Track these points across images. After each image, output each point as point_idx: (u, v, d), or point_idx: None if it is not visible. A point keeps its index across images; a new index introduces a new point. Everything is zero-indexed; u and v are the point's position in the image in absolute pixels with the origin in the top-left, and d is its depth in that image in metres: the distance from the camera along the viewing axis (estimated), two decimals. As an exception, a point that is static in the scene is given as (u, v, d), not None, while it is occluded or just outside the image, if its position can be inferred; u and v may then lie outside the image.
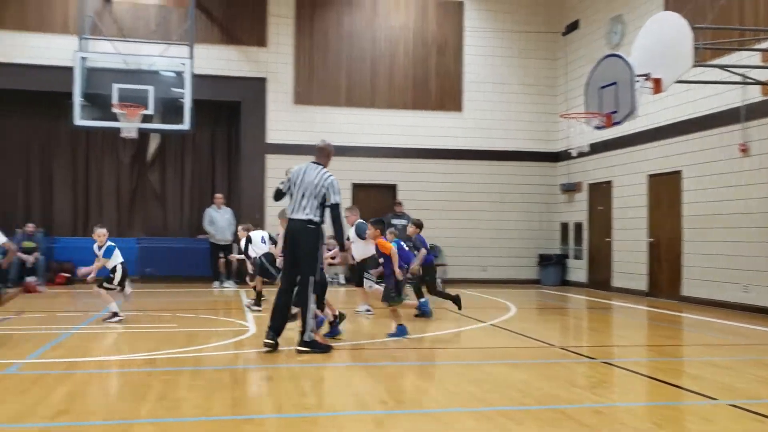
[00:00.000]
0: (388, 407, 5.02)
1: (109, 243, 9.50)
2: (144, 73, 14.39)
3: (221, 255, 15.34)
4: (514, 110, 17.66)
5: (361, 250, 9.93)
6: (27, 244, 14.93)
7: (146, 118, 14.05)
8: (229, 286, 15.13)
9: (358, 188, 17.02)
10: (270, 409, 4.91)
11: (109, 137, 16.51)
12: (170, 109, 14.39)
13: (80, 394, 5.22)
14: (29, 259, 14.82)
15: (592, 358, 7.20)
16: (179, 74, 14.42)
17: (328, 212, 7.25)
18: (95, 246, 9.50)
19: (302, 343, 7.00)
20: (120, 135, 14.08)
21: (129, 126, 13.74)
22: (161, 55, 14.77)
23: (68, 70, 13.99)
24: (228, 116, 17.46)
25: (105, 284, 9.42)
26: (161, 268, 16.32)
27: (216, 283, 15.25)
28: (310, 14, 16.92)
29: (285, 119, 16.72)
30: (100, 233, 9.44)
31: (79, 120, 13.91)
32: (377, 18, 17.22)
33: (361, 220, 10.02)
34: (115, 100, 13.67)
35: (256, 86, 16.55)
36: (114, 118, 13.79)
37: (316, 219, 7.17)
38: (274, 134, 16.69)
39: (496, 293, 14.32)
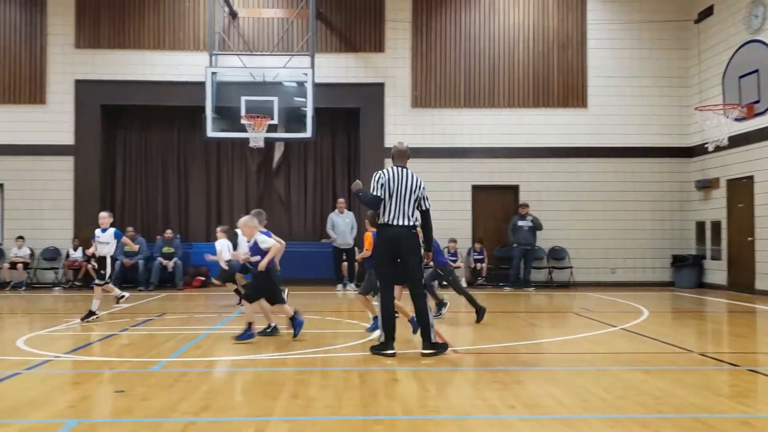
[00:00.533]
0: (516, 412, 4.91)
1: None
2: (268, 84, 15.00)
3: (344, 258, 15.68)
4: (643, 104, 16.89)
5: None
6: (166, 249, 15.95)
7: (271, 128, 14.62)
8: (352, 288, 15.41)
9: (478, 190, 16.90)
10: (399, 411, 4.94)
11: (237, 147, 17.33)
12: (293, 117, 14.91)
13: (220, 392, 5.47)
14: (169, 264, 15.83)
15: (736, 366, 6.71)
16: (301, 84, 14.90)
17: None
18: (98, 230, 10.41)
19: (427, 345, 7.02)
20: (248, 145, 14.76)
21: (256, 136, 14.36)
22: (284, 67, 15.33)
23: (200, 85, 14.81)
24: (347, 122, 17.84)
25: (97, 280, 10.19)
26: (286, 271, 16.83)
27: (339, 286, 15.60)
28: (426, 17, 17.01)
29: (403, 123, 16.87)
30: (104, 216, 10.41)
31: (211, 132, 14.69)
32: (495, 16, 17.01)
33: None
34: (243, 112, 14.35)
35: (375, 91, 16.82)
36: (242, 129, 14.46)
37: (417, 224, 7.18)
38: (392, 138, 16.81)
39: (626, 296, 13.72)
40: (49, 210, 16.45)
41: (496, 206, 16.95)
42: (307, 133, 14.59)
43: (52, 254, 16.38)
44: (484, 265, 16.51)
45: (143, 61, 16.56)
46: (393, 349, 7.02)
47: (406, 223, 7.09)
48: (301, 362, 6.78)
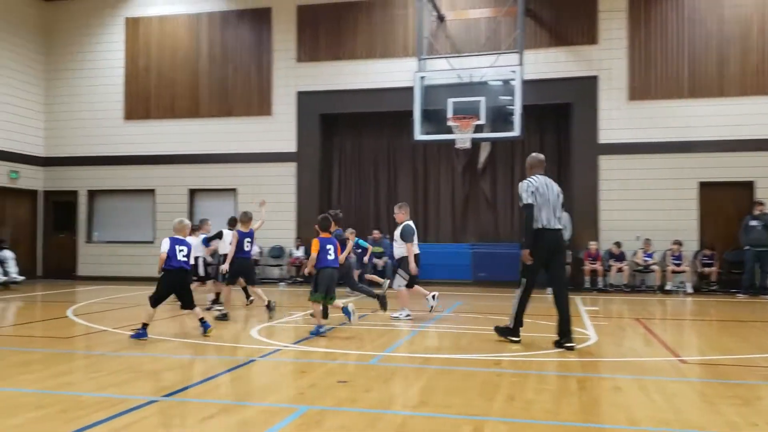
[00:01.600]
0: (760, 430, 4.40)
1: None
2: (475, 85, 14.98)
3: (554, 260, 15.20)
4: None
5: (398, 249, 10.37)
6: (376, 249, 16.62)
7: (477, 128, 14.61)
8: (563, 291, 14.91)
9: (705, 187, 15.56)
10: (624, 420, 4.65)
11: (444, 148, 17.58)
12: (500, 117, 14.76)
13: (435, 388, 5.55)
14: (379, 263, 16.48)
15: None
16: (508, 82, 14.72)
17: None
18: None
19: (569, 339, 7.49)
20: (455, 146, 14.90)
21: (463, 137, 14.45)
22: (491, 66, 15.25)
23: (408, 90, 15.24)
24: (556, 119, 17.31)
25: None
26: (493, 273, 16.82)
27: (549, 289, 15.12)
28: (644, 4, 16.00)
29: (619, 117, 16.02)
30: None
31: (419, 135, 15.04)
32: (724, -4, 15.55)
33: (409, 222, 10.36)
34: (450, 113, 14.50)
35: (587, 86, 16.16)
36: (449, 130, 14.62)
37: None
38: (606, 134, 16.09)
39: None
40: (275, 212, 17.90)
41: (726, 205, 15.44)
42: (515, 132, 14.38)
43: (277, 252, 17.83)
44: (714, 269, 15.11)
45: (357, 71, 17.45)
46: (519, 337, 7.81)
47: (557, 226, 7.69)
48: (515, 365, 6.68)
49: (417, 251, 10.50)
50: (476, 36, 16.83)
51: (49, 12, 19.30)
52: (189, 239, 8.81)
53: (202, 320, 8.33)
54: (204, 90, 18.39)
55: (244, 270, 10.57)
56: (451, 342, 8.11)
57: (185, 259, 8.22)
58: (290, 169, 17.84)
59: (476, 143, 16.28)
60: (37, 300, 13.03)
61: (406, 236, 10.23)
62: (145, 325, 8.14)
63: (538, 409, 4.89)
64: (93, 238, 19.13)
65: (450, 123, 14.49)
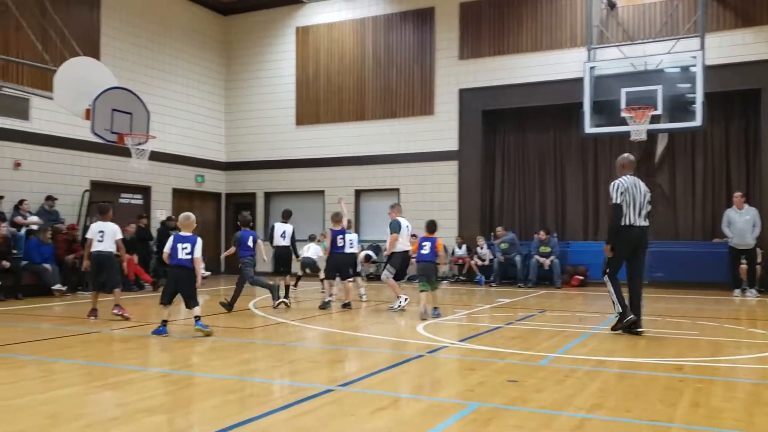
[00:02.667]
0: None
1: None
2: (651, 73, 14.19)
3: (743, 260, 13.97)
4: None
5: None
6: (543, 248, 16.21)
7: (654, 119, 13.80)
8: (752, 295, 13.66)
9: None
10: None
11: (615, 141, 16.77)
12: (678, 106, 13.87)
13: (611, 391, 5.31)
14: (545, 262, 16.05)
15: None
16: (687, 69, 13.76)
17: None
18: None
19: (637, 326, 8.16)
20: (628, 139, 14.16)
21: (638, 128, 13.70)
22: (669, 52, 14.34)
23: (577, 82, 14.72)
24: (743, 106, 15.92)
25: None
26: (672, 273, 15.77)
27: (737, 291, 13.96)
28: None
29: (818, 102, 14.41)
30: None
31: (588, 128, 14.47)
32: None
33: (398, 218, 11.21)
34: (623, 104, 13.82)
35: (779, 69, 14.69)
36: (622, 122, 13.92)
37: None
38: (802, 121, 14.54)
39: None
40: (437, 211, 18.06)
41: None
42: (696, 122, 13.41)
43: (441, 251, 17.94)
44: None
45: (521, 65, 17.15)
46: (629, 316, 8.16)
47: (643, 224, 8.26)
48: (699, 370, 6.22)
49: (407, 248, 11.36)
50: (651, 21, 15.88)
51: (228, 26, 20.87)
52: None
53: (197, 318, 8.17)
54: (369, 93, 18.97)
55: (338, 265, 11.38)
56: (626, 345, 7.71)
57: (188, 256, 8.13)
58: (452, 167, 17.90)
59: (652, 135, 15.35)
60: (220, 294, 14.09)
61: (392, 228, 11.14)
62: (164, 322, 8.17)
63: (728, 418, 4.51)
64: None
65: (623, 114, 13.80)
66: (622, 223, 8.19)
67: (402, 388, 5.50)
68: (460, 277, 17.31)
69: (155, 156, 15.31)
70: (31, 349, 7.34)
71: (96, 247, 9.72)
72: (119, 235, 10.01)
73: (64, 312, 10.98)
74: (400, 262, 11.30)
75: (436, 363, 6.70)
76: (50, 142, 15.29)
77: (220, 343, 7.68)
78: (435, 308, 10.25)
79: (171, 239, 8.30)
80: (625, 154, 8.78)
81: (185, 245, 8.16)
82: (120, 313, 9.60)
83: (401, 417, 4.57)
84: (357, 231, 18.95)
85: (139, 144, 13.51)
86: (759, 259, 14.21)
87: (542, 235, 16.35)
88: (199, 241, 8.32)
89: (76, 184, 15.88)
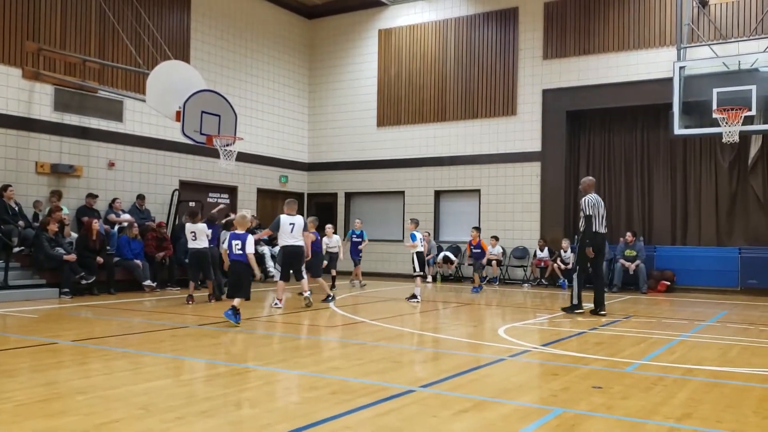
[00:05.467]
0: None
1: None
2: (744, 72, 13.62)
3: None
4: None
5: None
6: (628, 252, 15.79)
7: (747, 120, 13.23)
8: None
9: None
10: None
11: (706, 143, 16.16)
12: (775, 107, 13.22)
13: (701, 401, 5.16)
14: (631, 266, 15.63)
15: None
16: (785, 67, 13.12)
17: None
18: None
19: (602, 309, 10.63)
20: (719, 140, 13.62)
21: (730, 130, 13.17)
22: (765, 51, 13.70)
23: (666, 82, 14.28)
24: None
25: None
26: (766, 280, 15.07)
27: None
28: None
29: None
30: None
31: (678, 129, 14.02)
32: None
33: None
34: (714, 105, 13.31)
35: None
36: (713, 123, 13.44)
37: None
38: None
39: None
40: (519, 212, 17.89)
41: None
42: (793, 123, 12.76)
43: (521, 253, 17.75)
44: None
45: (606, 65, 16.75)
46: (582, 309, 10.72)
47: (605, 231, 10.94)
48: (797, 382, 5.95)
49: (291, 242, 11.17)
50: (745, 19, 15.20)
51: (312, 29, 21.30)
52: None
53: (235, 309, 8.86)
54: (450, 94, 18.96)
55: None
56: (717, 353, 7.45)
57: (240, 252, 9.00)
58: (535, 168, 17.67)
59: (745, 136, 14.71)
60: (296, 292, 14.44)
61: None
62: (235, 309, 8.84)
63: (830, 435, 4.32)
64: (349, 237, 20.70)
65: (715, 115, 13.31)
66: (593, 230, 10.58)
67: (485, 391, 5.51)
68: (543, 281, 17.06)
69: (241, 157, 15.84)
70: (124, 342, 7.74)
71: (192, 245, 10.97)
72: (207, 232, 11.15)
73: (154, 307, 11.51)
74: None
75: (519, 367, 6.67)
76: (142, 143, 16.04)
77: (303, 341, 7.89)
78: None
79: (227, 237, 9.39)
80: (589, 177, 11.36)
81: (237, 242, 9.05)
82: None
83: (484, 420, 4.59)
84: (436, 232, 19.04)
85: (227, 145, 14.00)
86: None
87: (629, 238, 15.92)
88: (250, 237, 9.13)
89: (166, 184, 16.60)
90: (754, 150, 15.96)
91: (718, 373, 6.32)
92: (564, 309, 11.04)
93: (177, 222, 15.74)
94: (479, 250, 15.20)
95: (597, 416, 4.69)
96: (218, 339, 8.08)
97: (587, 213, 10.67)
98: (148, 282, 13.67)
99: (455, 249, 18.44)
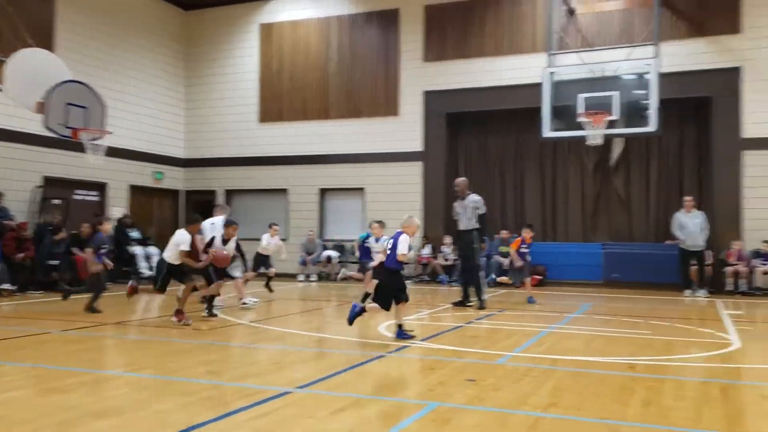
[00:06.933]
0: None
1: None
2: (608, 79, 14.45)
3: (692, 262, 14.42)
4: None
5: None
6: (503, 248, 16.43)
7: (610, 124, 14.08)
8: (702, 295, 14.07)
9: None
10: (774, 433, 4.36)
11: (573, 145, 17.08)
12: (634, 112, 14.16)
13: (566, 390, 5.44)
14: (505, 262, 16.27)
15: None
16: (643, 76, 14.08)
17: None
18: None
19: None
20: (585, 143, 14.44)
21: (594, 133, 13.97)
22: (625, 59, 14.66)
23: (537, 87, 14.93)
24: (696, 113, 16.36)
25: None
26: (626, 274, 16.14)
27: (687, 291, 14.36)
28: (795, -13, 14.79)
29: (764, 110, 14.95)
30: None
31: (547, 132, 14.70)
32: None
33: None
34: (581, 109, 14.06)
35: (729, 77, 15.19)
36: (579, 127, 14.18)
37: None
38: (752, 128, 15.04)
39: None
40: (402, 210, 18.06)
41: None
42: (650, 127, 13.74)
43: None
44: None
45: (484, 68, 17.32)
46: (470, 303, 11.27)
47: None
48: (652, 369, 6.40)
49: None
50: (609, 29, 16.21)
51: (188, 21, 20.60)
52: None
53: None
54: (334, 92, 18.94)
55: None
56: (582, 344, 7.89)
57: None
58: (417, 168, 18.00)
59: (608, 139, 15.68)
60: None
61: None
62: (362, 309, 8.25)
63: (678, 416, 4.67)
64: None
65: (581, 119, 14.05)
66: (479, 227, 11.24)
67: (362, 388, 5.53)
68: (424, 277, 17.42)
69: (112, 152, 15.00)
70: (-18, 349, 7.15)
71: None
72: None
73: (13, 312, 10.71)
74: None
75: (397, 363, 6.75)
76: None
77: (178, 345, 7.61)
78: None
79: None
80: (464, 179, 11.73)
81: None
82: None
83: (360, 418, 4.60)
84: (321, 230, 18.98)
85: (94, 139, 13.25)
86: (708, 261, 14.67)
87: (504, 234, 16.57)
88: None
89: (27, 180, 15.47)
90: (616, 152, 17.10)
91: (583, 362, 6.69)
92: (455, 304, 11.43)
93: (40, 221, 14.75)
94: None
95: (470, 409, 4.82)
96: (85, 345, 7.63)
97: (483, 211, 11.25)
98: (6, 285, 12.69)
99: (340, 247, 18.46)
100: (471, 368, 6.26)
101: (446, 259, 16.94)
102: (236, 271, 11.27)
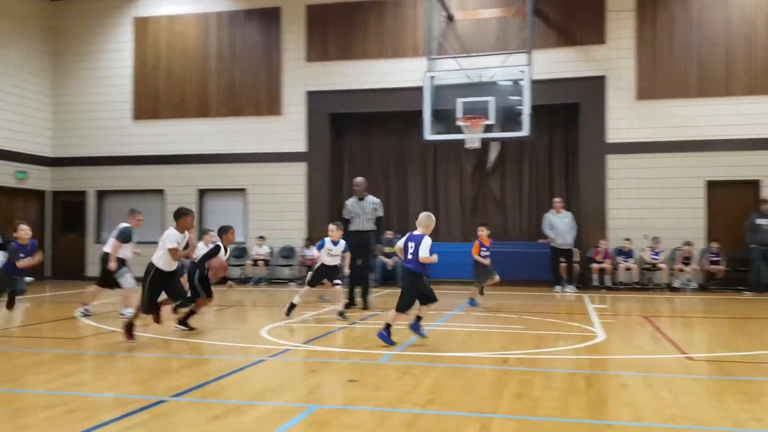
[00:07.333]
0: (765, 425, 4.43)
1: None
2: (485, 84, 14.95)
3: (562, 260, 15.28)
4: None
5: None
6: (387, 249, 16.66)
7: (487, 128, 14.60)
8: (571, 290, 14.94)
9: (713, 186, 15.55)
10: (630, 417, 4.68)
11: (453, 148, 17.57)
12: (509, 117, 14.74)
13: (444, 386, 5.59)
14: (389, 262, 16.52)
15: None
16: (517, 82, 14.71)
17: None
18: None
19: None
20: (464, 146, 14.90)
21: (472, 137, 14.45)
22: (501, 66, 15.26)
23: (419, 90, 15.24)
24: (566, 119, 17.29)
25: None
26: (504, 272, 16.77)
27: (557, 287, 15.18)
28: (652, 4, 15.98)
29: (627, 117, 16.03)
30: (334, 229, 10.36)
31: (428, 135, 15.05)
32: (731, -4, 15.57)
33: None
34: (459, 113, 14.49)
35: (595, 85, 16.16)
36: (459, 130, 14.61)
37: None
38: (615, 133, 16.09)
39: None
40: (285, 212, 17.99)
41: (733, 203, 15.41)
42: (524, 132, 14.38)
43: (288, 252, 17.88)
44: (721, 267, 15.10)
45: (367, 71, 17.48)
46: (355, 305, 11.27)
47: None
48: (524, 362, 6.71)
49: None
50: (486, 36, 16.83)
51: (56, 12, 19.42)
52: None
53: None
54: (213, 89, 18.48)
55: None
56: (461, 339, 8.16)
57: None
58: (300, 169, 17.90)
59: (486, 143, 16.27)
60: (45, 300, 13.14)
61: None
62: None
63: (546, 407, 4.92)
64: (102, 239, 19.25)
65: (459, 123, 14.49)
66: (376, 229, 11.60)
67: (240, 394, 5.43)
68: (308, 278, 17.28)
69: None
70: None
71: None
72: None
73: None
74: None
75: (278, 367, 6.69)
76: None
77: (43, 356, 7.16)
78: None
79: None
80: (364, 179, 11.80)
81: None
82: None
83: (239, 424, 4.52)
84: (200, 233, 18.41)
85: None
86: (576, 259, 15.62)
87: (389, 235, 16.79)
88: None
89: None
90: (493, 155, 17.79)
91: (461, 358, 6.91)
92: (341, 314, 10.01)
93: None
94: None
95: (351, 409, 4.86)
96: (-64, 359, 7.02)
97: (381, 214, 11.45)
98: None
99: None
100: (353, 369, 6.31)
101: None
102: (127, 279, 10.44)
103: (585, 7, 16.31)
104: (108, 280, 10.20)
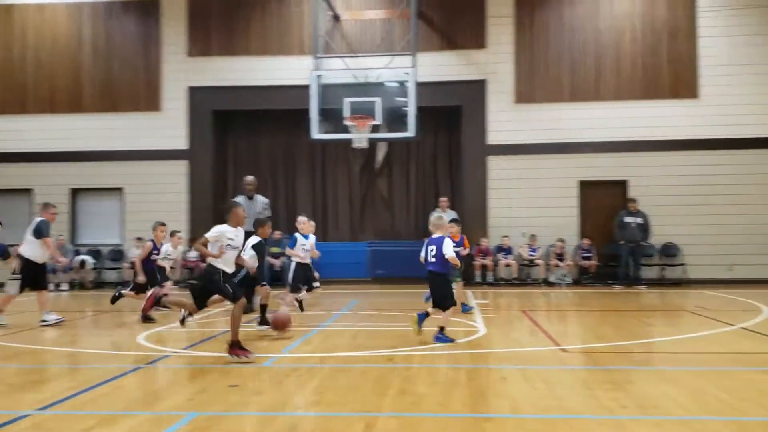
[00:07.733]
0: (629, 412, 4.71)
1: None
2: (371, 85, 15.08)
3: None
4: (761, 92, 15.91)
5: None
6: (274, 249, 16.42)
7: (374, 128, 14.73)
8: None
9: (585, 186, 16.45)
10: (508, 409, 4.84)
11: (341, 148, 17.59)
12: (396, 117, 14.95)
13: (329, 387, 5.56)
14: (276, 262, 16.30)
15: None
16: (403, 83, 14.93)
17: None
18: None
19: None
20: (352, 146, 14.95)
21: (359, 137, 14.52)
22: (386, 67, 15.43)
23: (306, 89, 15.13)
24: (449, 120, 17.74)
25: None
26: (391, 270, 17.03)
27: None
28: (529, 11, 16.69)
29: (506, 119, 16.64)
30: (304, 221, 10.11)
31: (316, 134, 14.97)
32: (600, 8, 16.57)
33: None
34: (347, 113, 14.51)
35: (476, 89, 16.67)
36: (346, 130, 14.64)
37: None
38: (495, 135, 16.66)
39: (745, 294, 12.88)
40: (165, 212, 17.27)
41: (604, 202, 16.38)
42: (410, 133, 14.61)
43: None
44: (593, 262, 16.02)
45: (251, 67, 17.15)
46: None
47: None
48: (408, 359, 6.80)
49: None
50: (372, 37, 16.96)
51: None
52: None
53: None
54: (88, 83, 17.51)
55: None
56: (347, 340, 8.15)
57: None
58: (181, 167, 17.30)
59: (373, 143, 16.38)
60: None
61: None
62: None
63: (429, 402, 5.00)
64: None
65: (347, 122, 14.50)
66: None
67: (114, 404, 5.15)
68: (191, 281, 16.74)
69: None
70: None
71: None
72: None
73: None
74: None
75: (156, 374, 6.42)
76: None
77: None
78: None
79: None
80: (254, 177, 11.23)
81: None
82: None
83: (112, 435, 4.29)
84: (73, 235, 17.43)
85: None
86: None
87: (277, 234, 16.54)
88: None
89: None
90: (380, 155, 17.98)
91: (347, 358, 6.91)
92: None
93: None
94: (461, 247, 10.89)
95: (231, 416, 4.73)
96: None
97: (269, 214, 11.20)
98: None
99: (96, 252, 17.11)
100: (235, 373, 6.14)
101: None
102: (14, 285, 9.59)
103: (466, 12, 16.79)
104: (30, 280, 9.51)
